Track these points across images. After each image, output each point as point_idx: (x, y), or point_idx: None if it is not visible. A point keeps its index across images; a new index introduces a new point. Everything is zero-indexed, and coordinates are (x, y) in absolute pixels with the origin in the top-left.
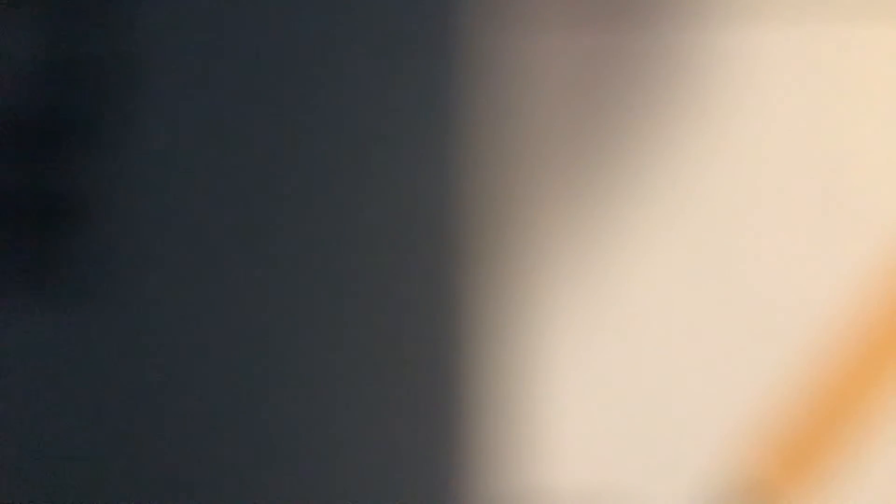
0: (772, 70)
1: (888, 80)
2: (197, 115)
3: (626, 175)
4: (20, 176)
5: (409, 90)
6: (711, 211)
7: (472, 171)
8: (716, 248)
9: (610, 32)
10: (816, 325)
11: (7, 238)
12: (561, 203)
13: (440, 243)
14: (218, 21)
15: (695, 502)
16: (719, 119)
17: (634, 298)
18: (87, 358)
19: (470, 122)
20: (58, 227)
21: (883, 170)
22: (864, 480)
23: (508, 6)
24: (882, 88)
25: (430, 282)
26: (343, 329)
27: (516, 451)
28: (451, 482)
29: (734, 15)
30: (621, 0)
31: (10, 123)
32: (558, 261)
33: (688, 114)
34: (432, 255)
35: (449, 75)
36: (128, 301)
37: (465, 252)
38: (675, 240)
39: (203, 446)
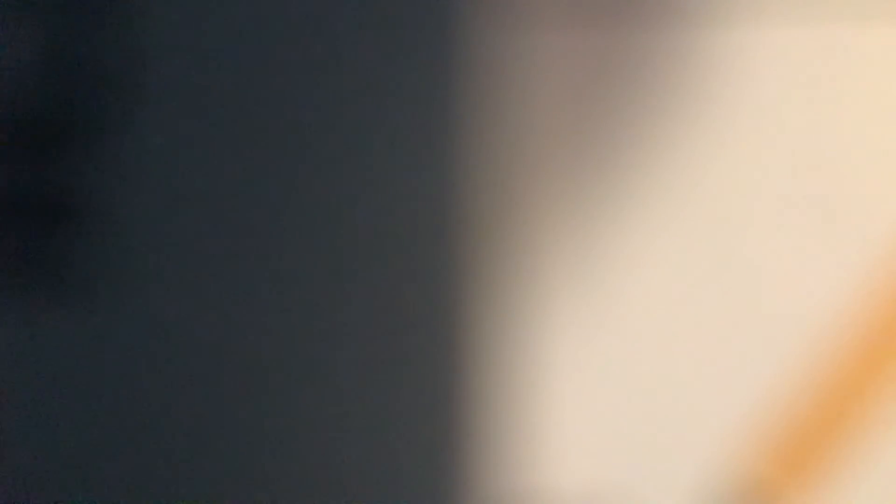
0: (772, 70)
1: (888, 80)
2: (197, 115)
3: (625, 175)
4: (21, 176)
5: (408, 90)
6: (711, 211)
7: (473, 171)
8: (715, 248)
9: (610, 32)
10: (816, 326)
11: (7, 237)
12: (561, 203)
13: (440, 243)
14: (218, 21)
15: (695, 502)
16: (719, 119)
17: (634, 298)
18: (88, 357)
19: (470, 121)
20: (58, 227)
21: (883, 170)
22: (864, 480)
23: (508, 6)
24: (882, 88)
25: (430, 281)
26: (343, 329)
27: (516, 451)
28: (451, 482)
29: (734, 15)
30: (621, 0)
31: (11, 123)
32: (558, 261)
33: (688, 114)
34: (432, 254)
35: (449, 75)
36: (128, 301)
37: (465, 252)
38: (675, 239)
39: (203, 446)
